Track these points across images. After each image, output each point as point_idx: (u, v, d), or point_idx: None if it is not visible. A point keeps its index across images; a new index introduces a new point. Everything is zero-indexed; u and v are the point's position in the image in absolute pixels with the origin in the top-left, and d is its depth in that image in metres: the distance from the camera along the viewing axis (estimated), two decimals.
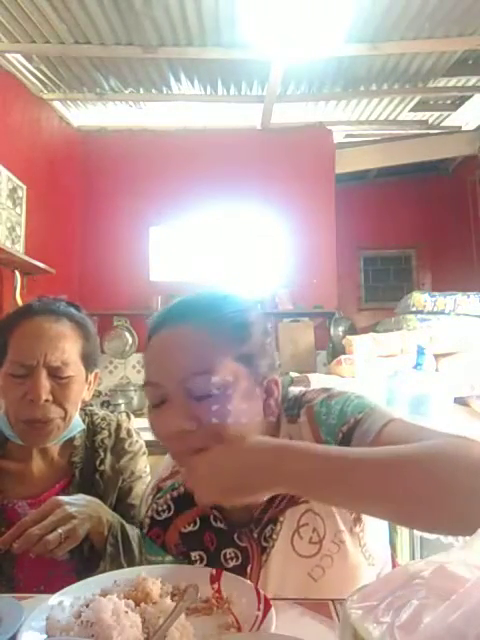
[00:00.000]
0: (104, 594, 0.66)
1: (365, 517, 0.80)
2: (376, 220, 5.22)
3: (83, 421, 1.14)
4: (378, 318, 4.04)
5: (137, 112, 4.22)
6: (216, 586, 0.72)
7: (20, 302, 3.16)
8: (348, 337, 3.25)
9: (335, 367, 3.09)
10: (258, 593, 0.66)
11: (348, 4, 2.74)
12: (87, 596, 0.67)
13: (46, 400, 0.99)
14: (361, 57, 3.35)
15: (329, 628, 0.63)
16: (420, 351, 2.52)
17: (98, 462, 1.10)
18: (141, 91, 3.87)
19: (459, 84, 3.82)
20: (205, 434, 0.72)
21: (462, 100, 4.11)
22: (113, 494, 1.09)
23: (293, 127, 4.41)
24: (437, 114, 4.37)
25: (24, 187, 3.42)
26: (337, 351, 3.74)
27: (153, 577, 0.70)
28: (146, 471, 1.18)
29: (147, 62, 3.44)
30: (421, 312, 3.22)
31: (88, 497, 0.95)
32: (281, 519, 0.79)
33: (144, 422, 0.84)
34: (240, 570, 0.79)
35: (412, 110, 4.23)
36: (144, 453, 1.19)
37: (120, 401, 3.88)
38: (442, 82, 3.78)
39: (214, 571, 0.74)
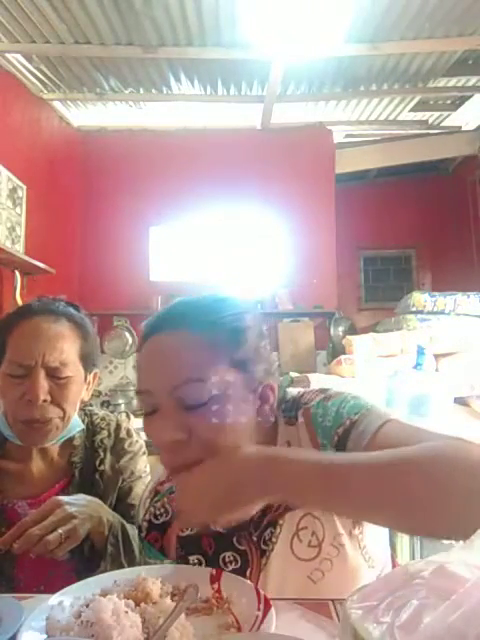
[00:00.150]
0: (104, 594, 0.66)
1: None
2: (376, 220, 5.22)
3: (83, 421, 1.14)
4: (378, 318, 4.04)
5: (137, 112, 4.22)
6: (216, 586, 0.71)
7: (20, 302, 3.16)
8: (348, 337, 3.25)
9: (335, 367, 3.09)
10: (258, 593, 0.66)
11: (348, 4, 2.74)
12: (87, 596, 0.67)
13: (44, 400, 0.99)
14: (361, 57, 3.35)
15: (329, 628, 0.63)
16: (420, 351, 2.52)
17: (98, 462, 1.10)
18: (141, 91, 3.87)
19: (459, 84, 3.82)
20: (197, 446, 0.71)
21: (462, 100, 4.11)
22: (113, 494, 1.09)
23: (293, 127, 4.41)
24: (437, 114, 4.37)
25: (24, 187, 3.42)
26: (337, 351, 3.74)
27: (153, 577, 0.70)
28: (146, 471, 1.18)
29: (147, 62, 3.44)
30: (421, 312, 3.22)
31: (88, 497, 0.95)
32: (280, 522, 0.79)
33: None
34: (239, 574, 0.78)
35: (412, 110, 4.23)
36: (144, 453, 1.19)
37: (120, 401, 3.89)
38: (442, 82, 3.78)
39: (214, 571, 0.74)
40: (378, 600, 0.42)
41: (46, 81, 3.68)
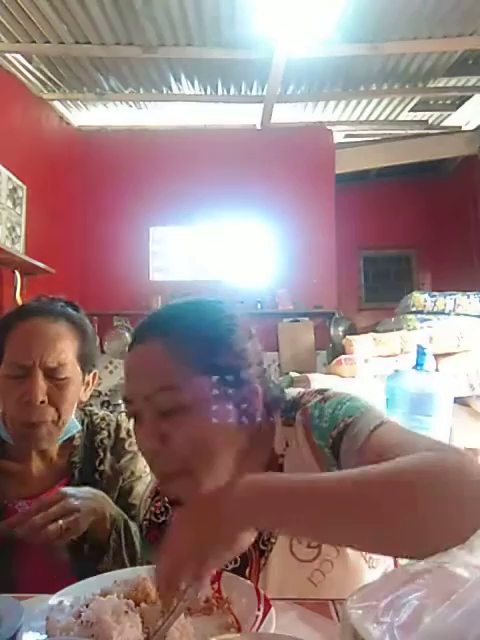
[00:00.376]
0: (104, 594, 0.66)
1: None
2: (376, 220, 5.22)
3: (82, 421, 1.14)
4: (378, 318, 4.03)
5: (137, 112, 4.22)
6: (216, 586, 0.71)
7: (20, 302, 3.16)
8: (348, 337, 3.24)
9: (335, 367, 3.08)
10: (258, 593, 0.66)
11: (348, 4, 2.74)
12: (87, 596, 0.67)
13: (42, 401, 0.99)
14: (361, 57, 3.35)
15: (329, 628, 0.63)
16: (420, 351, 2.52)
17: (98, 462, 1.10)
18: (141, 91, 3.87)
19: (459, 84, 3.83)
20: (175, 452, 0.73)
21: (462, 100, 4.11)
22: (113, 494, 1.09)
23: (293, 127, 4.42)
24: (437, 114, 4.37)
25: (24, 187, 3.42)
26: (337, 351, 3.73)
27: (153, 577, 0.70)
28: (146, 471, 1.18)
29: (147, 62, 3.44)
30: (421, 312, 3.22)
31: (94, 490, 0.96)
32: None
33: None
34: (239, 573, 0.78)
35: (412, 110, 4.23)
36: None
37: (120, 401, 3.89)
38: (442, 82, 3.78)
39: (214, 571, 0.74)
40: (378, 600, 0.42)
41: (46, 81, 3.69)
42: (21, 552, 0.96)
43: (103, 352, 4.04)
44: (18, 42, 3.16)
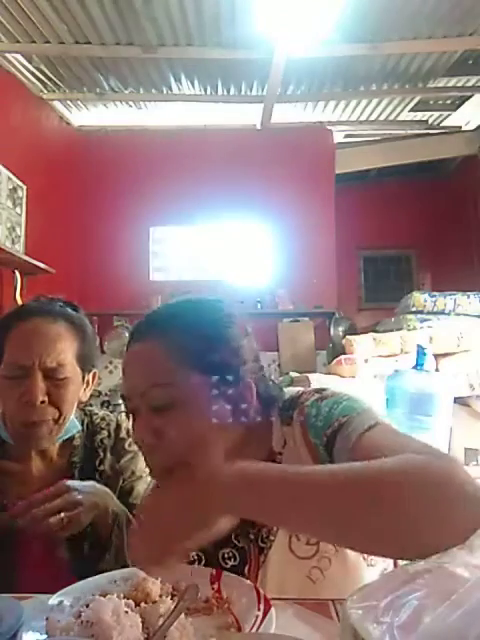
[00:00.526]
0: (104, 594, 0.66)
1: None
2: (376, 220, 5.22)
3: (82, 421, 1.14)
4: (378, 318, 4.03)
5: (137, 112, 4.22)
6: (216, 586, 0.72)
7: (20, 302, 3.16)
8: (348, 337, 3.24)
9: (335, 367, 3.08)
10: (258, 593, 0.66)
11: (348, 4, 2.74)
12: (87, 596, 0.67)
13: (42, 402, 0.99)
14: (361, 57, 3.35)
15: (329, 628, 0.63)
16: (420, 351, 2.52)
17: (98, 462, 1.10)
18: (141, 91, 3.87)
19: (459, 84, 3.83)
20: (169, 448, 0.74)
21: (462, 100, 4.11)
22: (114, 494, 1.09)
23: (293, 127, 4.42)
24: (437, 114, 4.37)
25: (24, 187, 3.42)
26: (337, 351, 3.73)
27: (153, 577, 0.70)
28: (147, 470, 1.18)
29: (147, 62, 3.44)
30: (421, 312, 3.22)
31: (98, 485, 0.97)
32: None
33: None
34: (238, 570, 0.79)
35: (412, 110, 4.23)
36: None
37: (120, 401, 3.87)
38: (442, 82, 3.78)
39: (214, 571, 0.74)
40: (378, 600, 0.42)
41: (46, 81, 3.69)
42: (21, 552, 0.96)
43: (103, 352, 4.04)
44: (18, 42, 3.16)
